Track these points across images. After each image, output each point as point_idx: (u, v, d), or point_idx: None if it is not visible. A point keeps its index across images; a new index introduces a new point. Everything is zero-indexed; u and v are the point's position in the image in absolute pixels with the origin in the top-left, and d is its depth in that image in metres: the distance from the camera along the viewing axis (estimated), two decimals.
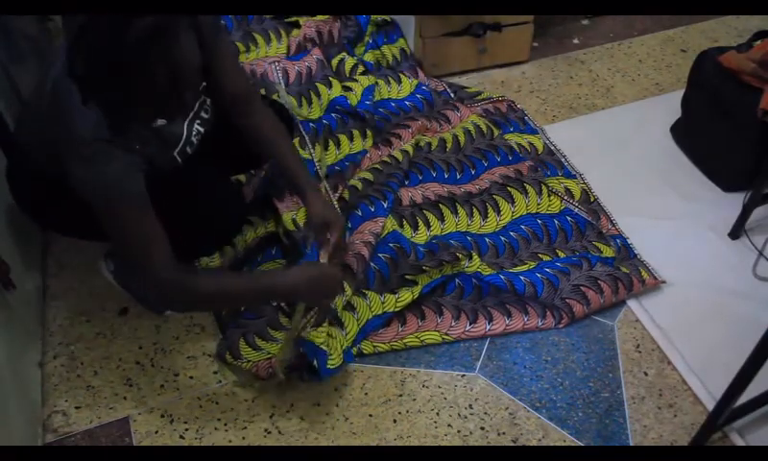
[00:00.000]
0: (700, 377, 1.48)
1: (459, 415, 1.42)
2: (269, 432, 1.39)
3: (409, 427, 1.40)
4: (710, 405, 1.41)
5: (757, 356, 1.13)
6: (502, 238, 1.73)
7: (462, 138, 1.97)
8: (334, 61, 2.14)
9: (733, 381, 1.18)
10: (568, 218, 1.77)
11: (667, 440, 1.39)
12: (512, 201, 1.80)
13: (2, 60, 1.63)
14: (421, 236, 1.71)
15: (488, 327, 1.55)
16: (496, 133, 2.02)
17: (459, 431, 1.40)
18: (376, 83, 2.08)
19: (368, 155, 1.91)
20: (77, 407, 1.42)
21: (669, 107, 2.13)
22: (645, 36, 2.56)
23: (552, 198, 1.81)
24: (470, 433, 1.40)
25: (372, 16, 2.24)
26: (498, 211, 1.78)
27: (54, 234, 1.70)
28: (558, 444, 1.38)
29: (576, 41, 2.53)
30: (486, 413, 1.43)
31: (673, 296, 1.64)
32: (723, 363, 1.28)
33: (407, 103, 2.08)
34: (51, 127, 1.13)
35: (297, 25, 2.21)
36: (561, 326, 1.58)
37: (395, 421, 1.41)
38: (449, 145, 1.96)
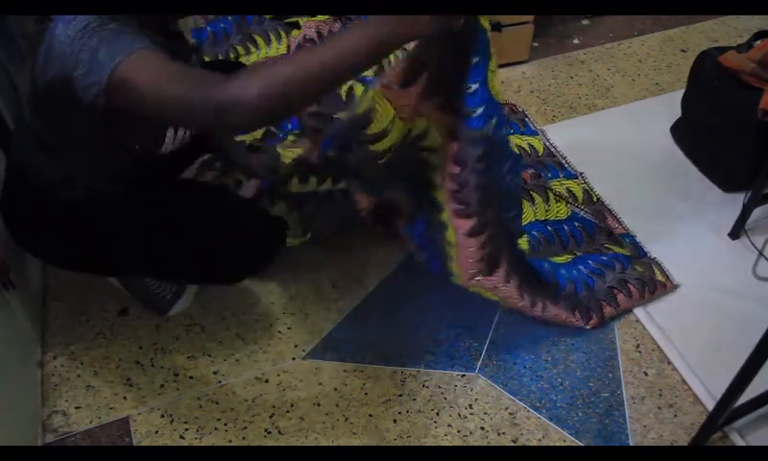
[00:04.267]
0: (700, 377, 1.48)
1: (459, 415, 1.42)
2: (269, 432, 1.39)
3: (409, 427, 1.40)
4: (710, 405, 1.41)
5: (757, 356, 1.12)
6: None
7: None
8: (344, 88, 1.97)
9: (733, 381, 1.18)
10: (576, 224, 1.76)
11: (667, 440, 1.39)
12: None
13: (2, 61, 1.63)
14: None
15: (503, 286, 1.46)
16: None
17: (459, 431, 1.40)
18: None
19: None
20: (77, 407, 1.42)
21: (669, 107, 2.13)
22: (645, 36, 2.56)
23: (559, 204, 1.80)
24: (470, 433, 1.40)
25: None
26: None
27: None
28: (558, 444, 1.38)
29: (576, 41, 2.53)
30: (486, 413, 1.43)
31: (673, 296, 1.64)
32: (723, 363, 1.28)
33: None
34: (61, 54, 1.02)
35: (297, 26, 2.21)
36: (588, 326, 1.56)
37: (395, 421, 1.41)
38: None
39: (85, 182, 1.27)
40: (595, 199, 1.86)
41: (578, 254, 1.69)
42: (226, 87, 0.90)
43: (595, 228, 1.76)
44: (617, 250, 1.70)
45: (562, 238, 1.72)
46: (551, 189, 1.83)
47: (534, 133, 2.06)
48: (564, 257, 1.65)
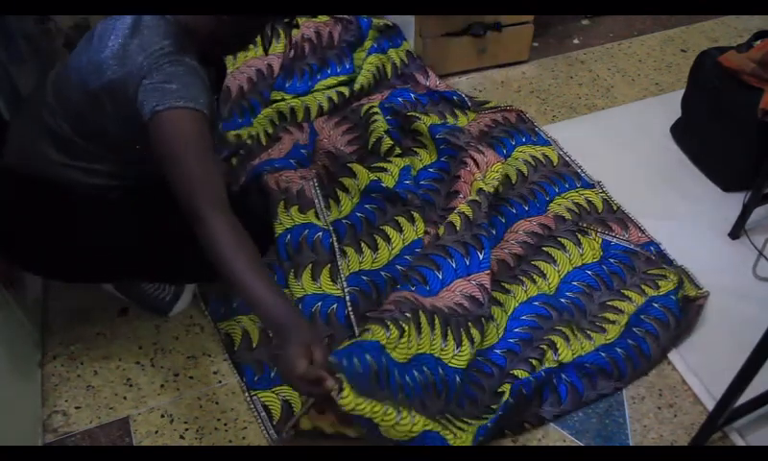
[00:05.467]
0: (700, 377, 1.48)
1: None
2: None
3: None
4: (710, 405, 1.41)
5: (757, 356, 1.12)
6: (563, 300, 1.59)
7: (471, 213, 1.66)
8: (371, 139, 1.90)
9: (733, 381, 1.18)
10: (612, 261, 1.67)
11: (667, 440, 1.39)
12: (553, 261, 1.67)
13: (2, 61, 1.63)
14: (491, 336, 1.51)
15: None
16: (515, 179, 1.86)
17: None
18: (411, 163, 1.88)
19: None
20: (77, 407, 1.42)
21: (669, 107, 2.13)
22: (645, 36, 2.56)
23: (591, 242, 1.71)
24: None
25: (374, 21, 2.24)
26: (545, 276, 1.64)
27: None
28: (558, 444, 1.38)
29: (576, 41, 2.53)
30: None
31: None
32: (723, 363, 1.28)
33: (442, 159, 1.86)
34: (126, 59, 1.15)
35: (296, 25, 2.21)
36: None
37: None
38: (459, 226, 1.64)
39: (99, 179, 1.29)
40: (615, 208, 1.83)
41: (630, 294, 1.59)
42: (213, 220, 1.08)
43: (630, 255, 1.68)
44: (662, 284, 1.60)
45: (605, 280, 1.63)
46: (579, 230, 1.73)
47: (546, 143, 2.00)
48: (616, 328, 1.53)
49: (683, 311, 1.55)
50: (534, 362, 1.44)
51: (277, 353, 1.02)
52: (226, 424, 1.40)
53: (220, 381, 1.47)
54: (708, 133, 1.93)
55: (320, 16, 2.21)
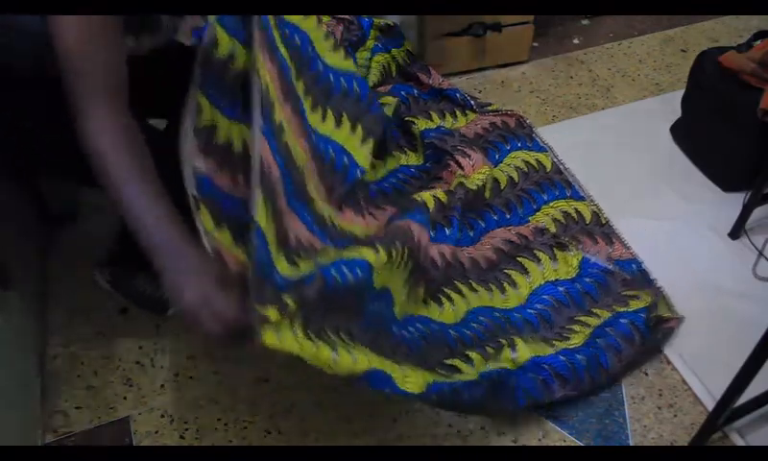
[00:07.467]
0: (700, 377, 1.48)
1: (459, 415, 1.42)
2: (269, 432, 1.39)
3: (409, 427, 1.40)
4: (710, 405, 1.41)
5: (757, 356, 1.13)
6: (531, 311, 1.57)
7: (445, 199, 1.69)
8: None
9: (733, 381, 1.18)
10: (587, 280, 1.64)
11: (667, 440, 1.39)
12: (526, 272, 1.65)
13: None
14: (447, 315, 1.53)
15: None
16: (504, 184, 1.86)
17: (459, 431, 1.40)
18: (396, 160, 1.89)
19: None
20: (77, 407, 1.42)
21: (669, 107, 2.13)
22: (645, 36, 2.56)
23: (568, 258, 1.67)
24: (470, 433, 1.40)
25: (375, 21, 2.24)
26: (515, 285, 1.63)
27: (55, 234, 1.70)
28: (558, 444, 1.38)
29: (576, 41, 2.53)
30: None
31: (673, 296, 1.64)
32: (723, 363, 1.28)
33: (427, 164, 1.89)
34: None
35: None
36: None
37: (394, 420, 1.41)
38: (432, 208, 1.65)
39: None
40: (604, 221, 1.80)
41: (599, 311, 1.57)
42: (96, 113, 0.92)
43: (607, 275, 1.65)
44: (632, 303, 1.57)
45: (575, 299, 1.59)
46: (557, 245, 1.70)
47: (542, 149, 1.99)
48: (580, 335, 1.51)
49: (651, 331, 1.52)
50: (489, 350, 1.43)
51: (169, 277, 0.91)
52: (226, 425, 1.40)
53: (220, 381, 1.47)
54: (708, 133, 1.93)
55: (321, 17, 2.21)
